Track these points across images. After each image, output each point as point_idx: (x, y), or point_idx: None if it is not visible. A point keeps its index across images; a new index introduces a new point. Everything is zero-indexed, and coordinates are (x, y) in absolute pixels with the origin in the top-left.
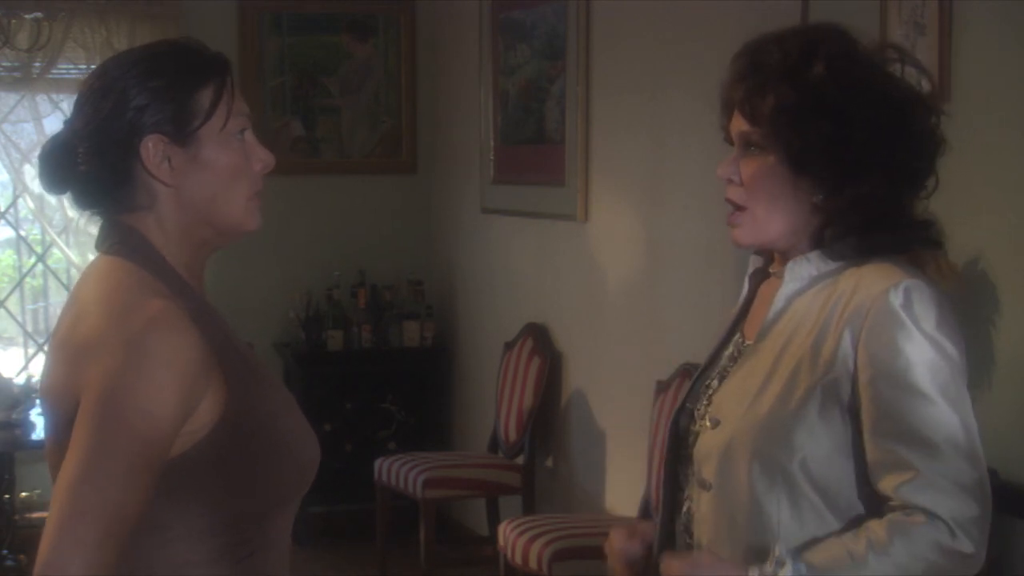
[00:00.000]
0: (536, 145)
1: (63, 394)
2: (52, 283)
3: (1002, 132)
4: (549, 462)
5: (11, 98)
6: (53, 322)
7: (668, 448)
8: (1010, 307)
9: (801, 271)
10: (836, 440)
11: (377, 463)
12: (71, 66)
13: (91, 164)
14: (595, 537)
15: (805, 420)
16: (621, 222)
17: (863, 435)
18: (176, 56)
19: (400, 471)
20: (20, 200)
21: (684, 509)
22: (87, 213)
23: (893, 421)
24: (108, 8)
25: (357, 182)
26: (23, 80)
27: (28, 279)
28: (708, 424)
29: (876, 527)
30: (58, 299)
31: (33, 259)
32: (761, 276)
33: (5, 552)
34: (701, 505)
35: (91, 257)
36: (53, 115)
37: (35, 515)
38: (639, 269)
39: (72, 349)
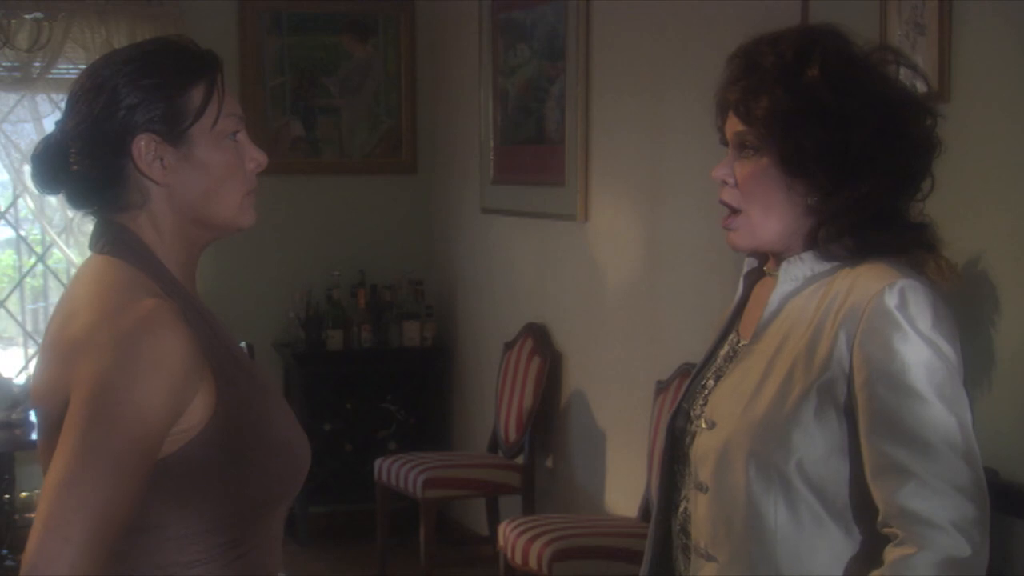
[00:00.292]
0: (536, 145)
1: (53, 393)
2: (52, 283)
3: (1002, 132)
4: (549, 462)
5: (11, 98)
6: None
7: (664, 448)
8: (1010, 307)
9: (795, 271)
10: (832, 441)
11: (377, 463)
12: (71, 66)
13: (83, 164)
14: (595, 537)
15: (801, 421)
16: (621, 222)
17: (859, 436)
18: (167, 54)
19: (400, 471)
20: (20, 200)
21: (681, 509)
22: (81, 213)
23: (889, 422)
24: (108, 8)
25: (357, 182)
26: (23, 80)
27: (28, 279)
28: (704, 425)
29: None
30: (58, 299)
31: (33, 259)
32: (756, 276)
33: (5, 552)
34: (698, 507)
35: None
36: (53, 115)
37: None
38: (639, 269)
39: (62, 348)
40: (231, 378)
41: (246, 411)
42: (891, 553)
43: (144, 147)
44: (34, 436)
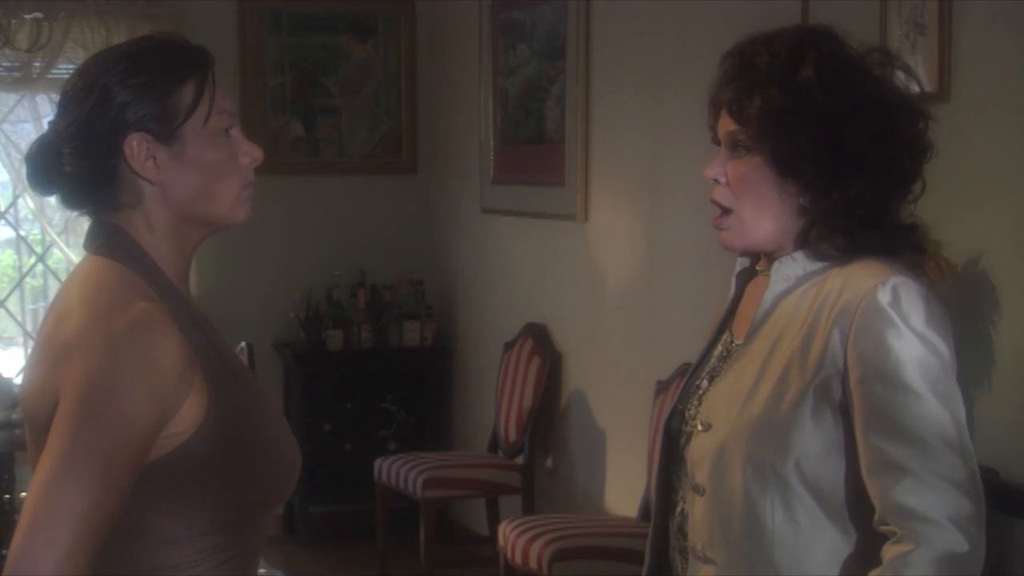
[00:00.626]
0: (536, 145)
1: (43, 393)
2: (52, 283)
3: (1002, 132)
4: (549, 462)
5: (11, 98)
6: None
7: (660, 449)
8: (1010, 307)
9: (787, 271)
10: (829, 440)
11: (377, 463)
12: (71, 66)
13: (76, 164)
14: (595, 537)
15: (798, 422)
16: (621, 222)
17: (855, 434)
18: (157, 52)
19: (400, 471)
20: (20, 200)
21: (677, 511)
22: (76, 213)
23: (884, 419)
24: (108, 8)
25: (357, 182)
26: (23, 80)
27: (28, 279)
28: (700, 427)
29: None
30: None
31: (33, 259)
32: (748, 275)
33: (5, 552)
34: (695, 509)
35: None
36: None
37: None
38: (639, 269)
39: (53, 349)
40: (222, 382)
41: (237, 415)
42: (889, 551)
43: (136, 146)
44: (27, 433)
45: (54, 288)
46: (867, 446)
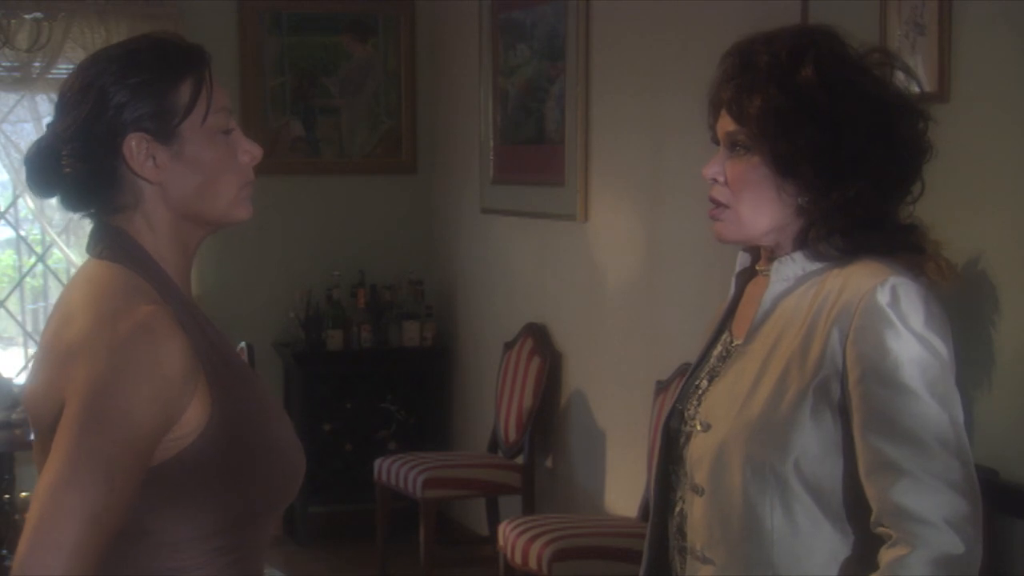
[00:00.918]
0: (536, 145)
1: (48, 397)
2: (52, 283)
3: (1002, 132)
4: (549, 462)
5: (11, 98)
6: None
7: (660, 449)
8: (1010, 307)
9: (787, 271)
10: (828, 441)
11: (377, 463)
12: (71, 66)
13: (75, 166)
14: (595, 537)
15: (797, 422)
16: (621, 222)
17: (854, 434)
18: (154, 51)
19: (400, 471)
20: (20, 200)
21: (676, 511)
22: (77, 215)
23: (882, 420)
24: (108, 8)
25: (357, 182)
26: (23, 80)
27: (28, 279)
28: (699, 427)
29: None
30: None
31: (33, 259)
32: (748, 275)
33: (5, 552)
34: (694, 509)
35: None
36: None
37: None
38: (639, 269)
39: (58, 353)
40: (226, 384)
41: (241, 418)
42: (886, 555)
43: (135, 146)
44: (33, 436)
45: (54, 288)
46: (865, 446)
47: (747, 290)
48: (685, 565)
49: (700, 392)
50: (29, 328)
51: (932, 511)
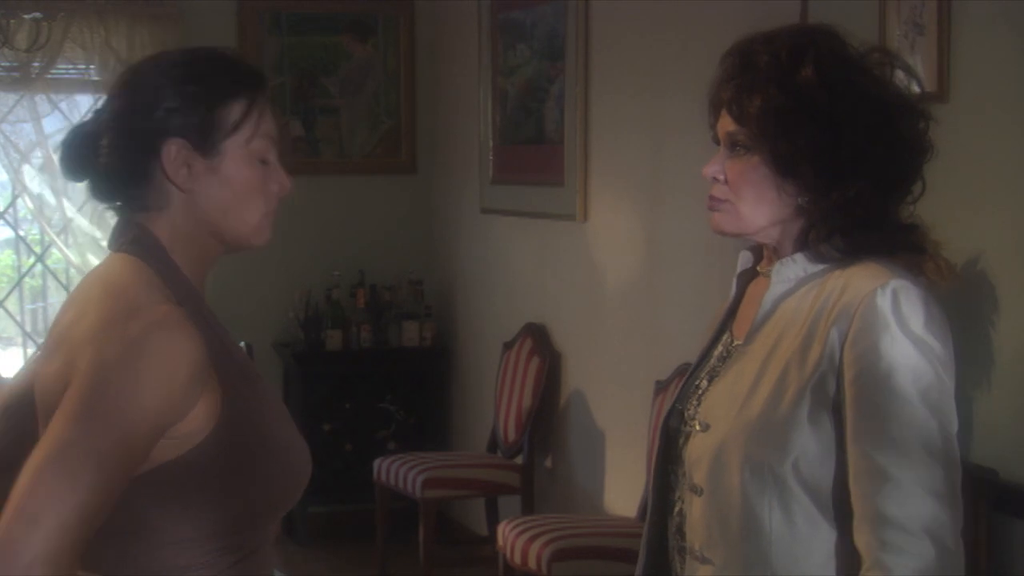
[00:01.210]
0: (535, 145)
1: (55, 386)
2: (51, 283)
3: (1001, 132)
4: (548, 462)
5: (10, 98)
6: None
7: (659, 449)
8: (1010, 307)
9: (788, 273)
10: (826, 441)
11: (376, 463)
12: (70, 66)
13: (111, 157)
14: (594, 537)
15: (796, 423)
16: (620, 222)
17: (845, 435)
18: (214, 65)
19: (399, 471)
20: (19, 200)
21: (676, 511)
22: (101, 207)
23: (872, 424)
24: (107, 8)
25: (357, 182)
26: (22, 80)
27: (27, 279)
28: (698, 427)
29: None
30: (57, 299)
31: (32, 259)
32: (749, 276)
33: None
34: (693, 509)
35: (90, 257)
36: (52, 115)
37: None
38: (638, 269)
39: (72, 344)
40: (236, 386)
41: (249, 419)
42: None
43: (175, 152)
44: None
45: (53, 288)
46: (853, 449)
47: (748, 291)
48: (684, 565)
49: (700, 392)
50: (28, 328)
51: (912, 520)
